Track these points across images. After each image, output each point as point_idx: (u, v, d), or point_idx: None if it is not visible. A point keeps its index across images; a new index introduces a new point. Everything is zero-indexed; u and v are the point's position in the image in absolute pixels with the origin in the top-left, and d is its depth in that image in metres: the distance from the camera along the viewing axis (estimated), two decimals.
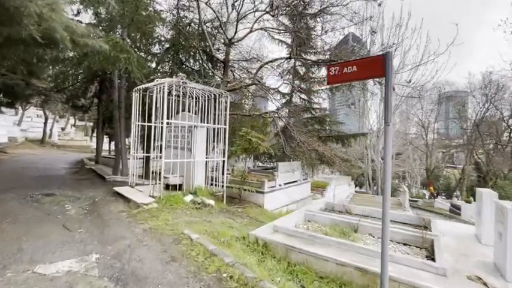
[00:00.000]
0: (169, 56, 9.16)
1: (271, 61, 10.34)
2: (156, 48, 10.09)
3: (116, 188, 6.46)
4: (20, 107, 24.63)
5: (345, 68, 2.82)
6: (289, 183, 8.93)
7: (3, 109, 15.16)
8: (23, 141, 24.39)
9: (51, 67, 12.31)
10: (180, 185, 6.52)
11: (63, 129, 39.53)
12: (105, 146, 34.64)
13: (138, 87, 6.72)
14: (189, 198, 5.73)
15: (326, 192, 12.84)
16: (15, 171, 9.60)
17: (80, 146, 30.66)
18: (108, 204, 5.47)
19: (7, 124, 22.68)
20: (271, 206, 7.71)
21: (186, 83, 5.87)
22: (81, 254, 3.22)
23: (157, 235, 3.92)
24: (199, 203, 5.72)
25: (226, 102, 6.68)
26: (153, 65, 9.55)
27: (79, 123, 45.17)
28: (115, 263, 3.05)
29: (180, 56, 9.27)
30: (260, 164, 16.93)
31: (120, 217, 4.67)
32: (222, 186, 6.74)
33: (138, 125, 6.80)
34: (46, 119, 27.78)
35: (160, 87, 5.86)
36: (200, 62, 9.27)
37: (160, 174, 6.00)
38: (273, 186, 8.05)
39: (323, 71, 15.90)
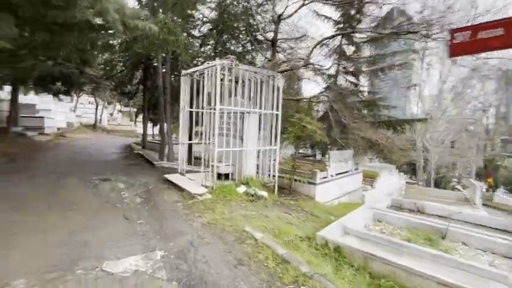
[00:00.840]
0: (212, 37, 8.73)
1: (324, 40, 9.36)
2: (198, 31, 9.72)
3: (167, 176, 6.40)
4: (74, 95, 26.71)
5: (482, 32, 2.04)
6: (341, 173, 8.21)
7: (61, 97, 16.39)
8: (78, 126, 26.64)
9: (101, 55, 12.80)
10: (227, 174, 6.22)
11: (111, 114, 42.56)
12: (148, 131, 36.77)
13: (187, 71, 6.43)
14: (241, 189, 5.41)
15: (376, 183, 11.81)
16: (73, 155, 10.27)
17: (126, 131, 32.78)
18: (162, 193, 5.38)
19: (65, 111, 24.82)
20: (323, 198, 7.14)
21: (238, 64, 5.39)
22: (145, 250, 3.03)
23: (217, 231, 3.63)
24: (252, 195, 5.37)
25: (279, 85, 6.09)
26: (197, 48, 9.21)
27: (124, 109, 48.27)
28: (181, 264, 2.80)
29: (224, 38, 8.79)
30: (300, 151, 16.25)
31: (176, 208, 4.51)
32: (273, 176, 6.31)
33: (188, 111, 6.57)
34: (97, 105, 29.97)
35: (211, 71, 5.46)
36: (244, 43, 8.71)
37: (211, 162, 5.75)
38: (325, 177, 7.42)
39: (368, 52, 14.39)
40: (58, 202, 4.45)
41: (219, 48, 8.46)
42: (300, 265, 2.81)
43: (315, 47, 8.68)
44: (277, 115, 6.15)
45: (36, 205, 4.22)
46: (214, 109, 5.24)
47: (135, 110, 49.33)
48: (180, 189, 5.53)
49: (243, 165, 5.91)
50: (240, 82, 6.79)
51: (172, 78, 14.27)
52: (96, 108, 29.79)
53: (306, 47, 8.97)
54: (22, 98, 16.62)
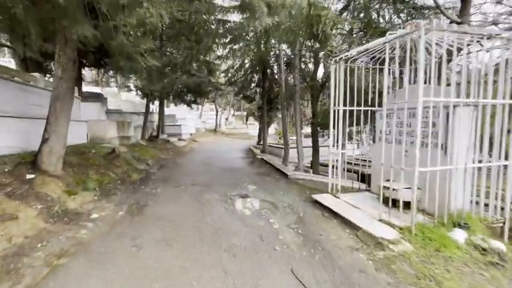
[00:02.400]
0: (358, 9, 6.61)
1: None
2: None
3: (317, 198, 4.91)
4: (200, 104, 30.73)
5: None
6: None
7: (193, 106, 18.54)
8: (204, 131, 30.37)
9: (224, 61, 13.24)
10: (407, 202, 4.09)
11: (226, 119, 47.43)
12: (254, 132, 38.49)
13: (340, 56, 4.74)
14: (460, 236, 3.19)
15: None
16: (206, 161, 10.60)
17: (240, 133, 35.21)
18: (323, 227, 3.88)
19: (194, 118, 28.76)
20: None
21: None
22: None
23: None
24: (483, 249, 3.07)
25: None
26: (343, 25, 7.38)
27: (237, 113, 53.00)
28: None
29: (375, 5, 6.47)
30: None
31: (363, 266, 2.83)
32: (502, 209, 3.71)
33: (341, 110, 4.88)
34: (216, 111, 33.51)
35: (398, 43, 3.52)
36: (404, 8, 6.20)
37: (380, 183, 3.82)
38: None
39: None
40: (208, 233, 3.66)
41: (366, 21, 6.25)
42: None
43: None
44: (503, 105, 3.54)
45: (186, 236, 3.53)
46: (391, 104, 3.24)
47: (245, 113, 53.51)
48: (347, 222, 3.87)
49: (446, 190, 3.64)
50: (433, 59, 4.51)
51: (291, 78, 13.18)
52: (216, 114, 33.26)
53: None
54: (165, 110, 19.90)
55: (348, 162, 14.08)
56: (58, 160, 4.38)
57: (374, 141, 5.03)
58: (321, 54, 8.27)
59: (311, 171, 8.92)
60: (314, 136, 10.44)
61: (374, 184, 5.04)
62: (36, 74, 6.40)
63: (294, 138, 12.38)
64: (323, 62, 8.72)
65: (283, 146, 13.73)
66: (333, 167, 5.12)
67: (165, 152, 12.26)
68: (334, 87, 4.91)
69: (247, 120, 51.20)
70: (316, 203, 4.85)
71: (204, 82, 11.60)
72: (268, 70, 13.07)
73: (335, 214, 4.22)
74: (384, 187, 4.42)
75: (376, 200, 4.75)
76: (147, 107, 13.79)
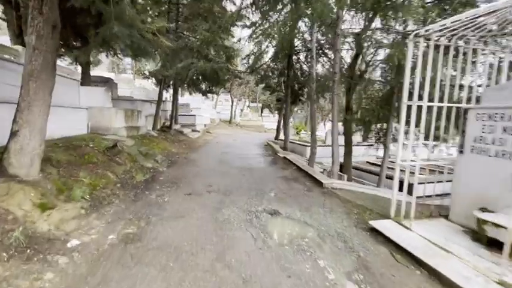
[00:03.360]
0: None
1: None
2: None
3: (376, 225, 3.59)
4: (215, 93, 29.58)
5: None
6: None
7: (208, 95, 17.37)
8: (219, 122, 29.30)
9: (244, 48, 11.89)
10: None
11: (241, 110, 46.09)
12: (269, 125, 36.93)
13: (426, 29, 3.30)
14: None
15: None
16: (223, 158, 9.43)
17: (256, 126, 33.93)
18: (403, 282, 2.58)
19: (209, 108, 27.69)
20: None
21: None
22: None
23: None
24: None
25: None
26: None
27: (252, 105, 51.54)
28: None
29: None
30: None
31: None
32: None
33: (424, 106, 3.47)
34: (232, 102, 32.29)
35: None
36: None
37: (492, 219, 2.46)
38: None
39: None
40: (229, 280, 2.45)
41: None
42: None
43: None
44: None
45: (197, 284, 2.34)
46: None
47: (260, 105, 52.07)
48: (442, 279, 2.54)
49: None
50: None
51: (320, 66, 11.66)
52: (232, 105, 32.06)
53: None
54: (179, 99, 18.87)
55: (373, 164, 12.52)
56: (32, 160, 3.28)
57: (461, 152, 3.60)
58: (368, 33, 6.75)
59: (345, 177, 7.57)
60: (347, 135, 9.00)
61: (457, 211, 3.65)
62: (18, 47, 5.34)
63: (319, 134, 10.93)
64: (375, 46, 7.17)
65: (306, 143, 12.39)
66: (401, 183, 3.75)
67: (178, 145, 11.18)
68: (413, 74, 3.49)
69: (262, 112, 49.76)
70: (377, 233, 3.53)
71: (222, 69, 10.32)
72: (294, 57, 11.61)
73: (414, 258, 2.89)
74: (483, 221, 3.05)
75: (463, 234, 3.39)
76: (160, 94, 12.71)
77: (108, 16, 3.45)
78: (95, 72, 18.93)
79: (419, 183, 3.75)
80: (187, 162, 8.17)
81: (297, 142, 12.42)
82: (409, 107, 3.59)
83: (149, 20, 5.78)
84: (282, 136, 18.42)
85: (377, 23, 7.41)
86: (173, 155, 8.87)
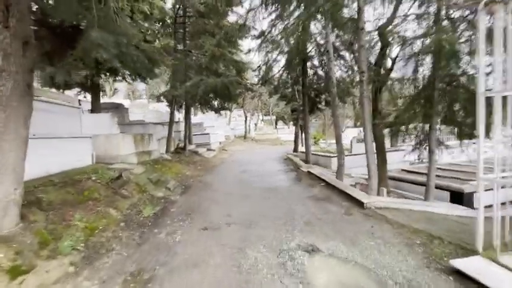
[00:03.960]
0: None
1: None
2: None
3: (461, 266, 2.56)
4: (228, 109, 29.37)
5: None
6: None
7: (221, 112, 16.90)
8: (233, 139, 28.80)
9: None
10: None
11: (255, 124, 45.59)
12: (285, 137, 35.82)
13: None
14: None
15: None
16: (242, 178, 8.63)
17: (271, 139, 33.11)
18: None
19: (223, 125, 27.33)
20: None
21: None
22: None
23: None
24: None
25: None
26: None
27: (265, 118, 51.04)
28: None
29: None
30: None
31: None
32: None
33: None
34: (246, 117, 31.87)
35: None
36: None
37: None
38: None
39: None
40: None
41: None
42: None
43: None
44: None
45: None
46: None
47: (274, 118, 51.52)
48: None
49: None
50: None
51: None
52: (246, 120, 31.61)
53: None
54: (192, 118, 18.57)
55: (411, 171, 11.11)
56: (5, 210, 2.62)
57: None
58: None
59: (384, 190, 6.46)
60: (379, 141, 7.96)
61: None
62: None
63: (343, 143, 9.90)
64: (403, 39, 6.22)
65: (330, 154, 11.33)
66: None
67: (192, 167, 10.54)
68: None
69: (276, 124, 49.04)
70: (465, 278, 2.50)
71: (233, 83, 9.75)
72: (308, 64, 10.88)
73: None
74: None
75: None
76: (172, 115, 12.30)
77: (90, 25, 2.90)
78: (112, 100, 19.15)
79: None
80: (202, 186, 7.42)
81: (320, 153, 11.41)
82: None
83: (153, 38, 5.31)
84: (300, 148, 17.47)
85: (401, 12, 6.55)
86: (187, 178, 8.17)
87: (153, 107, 23.90)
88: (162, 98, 11.79)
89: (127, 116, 11.33)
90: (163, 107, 22.88)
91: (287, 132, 40.40)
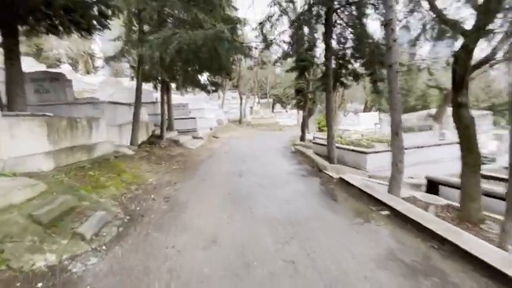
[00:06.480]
0: None
1: None
2: None
3: None
4: (220, 85, 25.55)
5: None
6: None
7: (209, 91, 13.37)
8: (227, 123, 25.34)
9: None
10: None
11: (251, 107, 41.83)
12: (284, 122, 32.36)
13: None
14: None
15: None
16: (235, 192, 5.40)
17: (269, 123, 29.76)
18: None
19: (214, 108, 23.75)
20: None
21: None
22: None
23: None
24: None
25: None
26: None
27: (262, 101, 47.17)
28: None
29: None
30: None
31: None
32: None
33: None
34: (241, 99, 28.30)
35: None
36: None
37: None
38: None
39: None
40: None
41: None
42: None
43: None
44: None
45: None
46: None
47: (271, 101, 47.81)
48: None
49: None
50: None
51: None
52: (241, 103, 28.10)
53: None
54: (175, 98, 15.00)
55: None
56: None
57: None
58: None
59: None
60: (468, 130, 4.81)
61: None
62: None
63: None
64: None
65: (365, 149, 7.82)
66: None
67: (165, 166, 7.26)
68: None
69: (273, 108, 45.32)
70: None
71: (223, 39, 6.29)
72: (334, 15, 7.37)
73: None
74: None
75: None
76: (138, 92, 8.83)
77: None
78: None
79: None
80: (166, 211, 4.15)
81: (350, 148, 8.01)
82: None
83: None
84: (307, 136, 14.26)
85: None
86: (145, 194, 4.88)
87: (128, 85, 20.03)
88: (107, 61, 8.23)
89: (70, 91, 7.83)
90: (147, 86, 19.14)
91: (285, 116, 37.00)
